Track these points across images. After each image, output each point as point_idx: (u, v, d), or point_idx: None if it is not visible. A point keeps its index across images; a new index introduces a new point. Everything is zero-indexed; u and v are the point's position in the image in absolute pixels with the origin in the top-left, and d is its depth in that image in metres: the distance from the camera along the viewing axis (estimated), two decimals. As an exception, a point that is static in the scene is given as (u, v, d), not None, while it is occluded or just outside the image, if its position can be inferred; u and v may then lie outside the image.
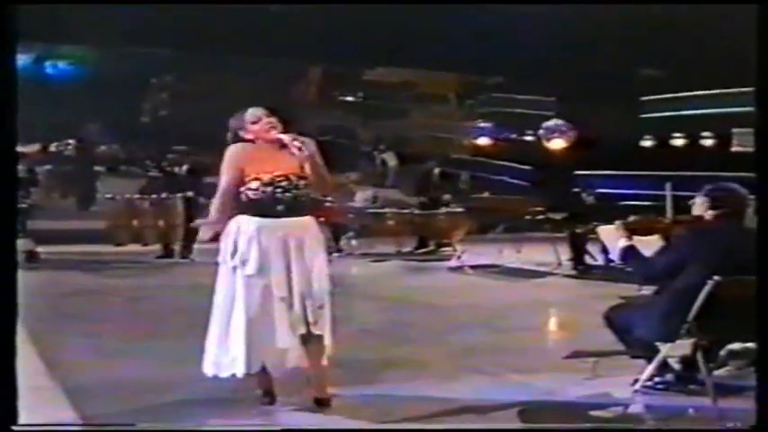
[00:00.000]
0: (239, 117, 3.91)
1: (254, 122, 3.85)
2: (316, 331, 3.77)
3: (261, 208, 3.77)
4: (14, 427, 3.01)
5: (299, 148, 3.74)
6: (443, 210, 11.66)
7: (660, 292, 4.10)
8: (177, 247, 10.51)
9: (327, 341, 3.82)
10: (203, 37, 13.55)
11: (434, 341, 5.71)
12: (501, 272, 9.76)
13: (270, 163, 3.80)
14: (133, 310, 7.00)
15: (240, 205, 3.83)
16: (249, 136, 3.87)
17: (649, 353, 4.06)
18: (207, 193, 10.64)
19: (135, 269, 9.72)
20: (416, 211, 11.67)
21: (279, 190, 3.77)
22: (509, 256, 10.34)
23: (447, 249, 11.33)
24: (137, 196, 11.36)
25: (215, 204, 3.87)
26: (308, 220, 3.87)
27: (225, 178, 3.85)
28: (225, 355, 3.74)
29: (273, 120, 3.85)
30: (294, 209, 3.80)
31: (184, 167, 10.84)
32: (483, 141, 17.79)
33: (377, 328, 6.05)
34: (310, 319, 3.75)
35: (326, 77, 18.64)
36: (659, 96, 15.59)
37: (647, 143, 15.85)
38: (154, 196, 10.99)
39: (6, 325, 2.98)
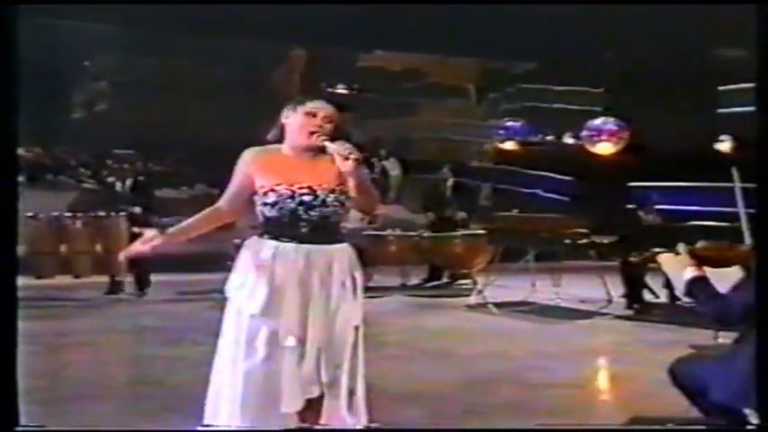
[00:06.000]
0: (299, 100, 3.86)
1: (309, 114, 3.80)
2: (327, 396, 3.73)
3: (279, 229, 3.74)
4: (15, 429, 3.31)
5: (356, 161, 3.65)
6: (460, 232, 11.65)
7: (742, 341, 4.02)
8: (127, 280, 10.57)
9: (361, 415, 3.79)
10: (154, 9, 13.55)
11: (450, 400, 5.69)
12: (534, 311, 9.76)
13: (292, 172, 3.77)
14: (58, 363, 6.94)
15: (257, 226, 3.82)
16: (287, 121, 3.83)
17: (734, 423, 3.97)
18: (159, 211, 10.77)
19: (62, 308, 9.68)
20: (426, 234, 11.66)
21: (301, 206, 3.75)
22: (544, 291, 10.36)
23: (465, 282, 11.34)
24: (66, 214, 11.34)
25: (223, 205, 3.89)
26: (341, 248, 3.83)
27: (228, 190, 3.89)
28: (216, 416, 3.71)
29: (327, 127, 3.78)
30: (321, 232, 3.76)
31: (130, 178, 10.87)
32: (510, 145, 17.81)
33: (377, 383, 5.97)
34: (324, 380, 3.70)
35: (311, 63, 18.71)
36: (744, 85, 15.48)
37: (724, 146, 15.78)
38: (89, 214, 10.98)
39: (7, 326, 3.29)
